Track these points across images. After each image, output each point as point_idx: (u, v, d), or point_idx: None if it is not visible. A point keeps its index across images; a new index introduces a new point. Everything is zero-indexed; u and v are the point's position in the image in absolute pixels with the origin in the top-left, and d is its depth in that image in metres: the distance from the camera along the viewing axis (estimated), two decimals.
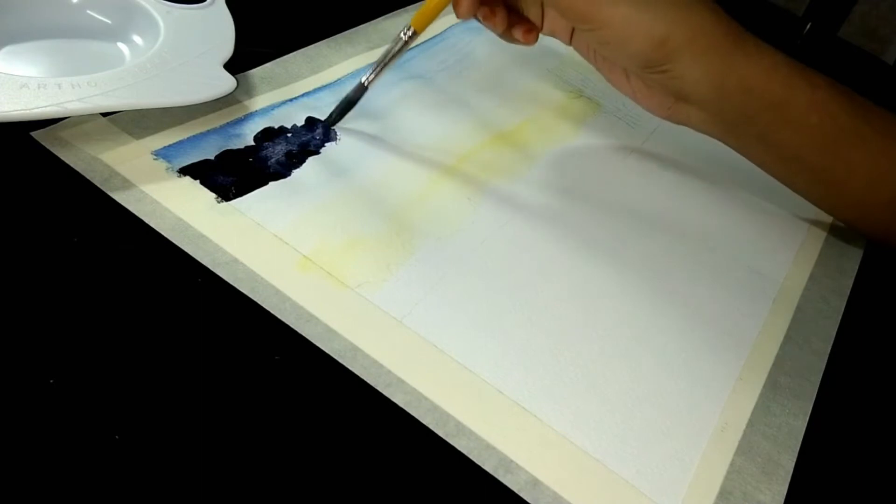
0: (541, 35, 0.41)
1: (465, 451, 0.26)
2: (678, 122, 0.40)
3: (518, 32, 0.40)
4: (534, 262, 0.34)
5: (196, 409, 0.25)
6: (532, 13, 0.40)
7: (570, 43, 0.41)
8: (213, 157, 0.34)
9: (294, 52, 0.42)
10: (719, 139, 0.40)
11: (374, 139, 0.38)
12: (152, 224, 0.30)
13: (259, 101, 0.38)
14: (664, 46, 0.36)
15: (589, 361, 0.30)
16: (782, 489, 0.28)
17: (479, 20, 0.39)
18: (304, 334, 0.28)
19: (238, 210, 0.32)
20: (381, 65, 0.37)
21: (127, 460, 0.23)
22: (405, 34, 0.36)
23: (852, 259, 0.41)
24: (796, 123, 0.37)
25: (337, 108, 0.38)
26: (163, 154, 0.33)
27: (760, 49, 0.37)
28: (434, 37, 0.48)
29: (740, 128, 0.39)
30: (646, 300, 0.34)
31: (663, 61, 0.36)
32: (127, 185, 0.31)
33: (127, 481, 0.22)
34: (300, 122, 0.38)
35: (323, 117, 0.38)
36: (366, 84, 0.37)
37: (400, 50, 0.37)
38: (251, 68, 0.40)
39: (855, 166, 0.38)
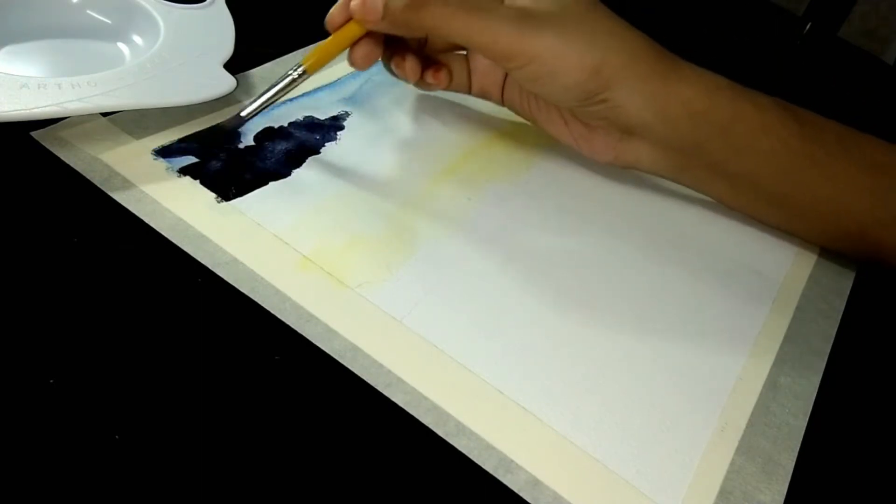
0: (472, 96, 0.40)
1: (465, 451, 0.26)
2: (626, 166, 0.38)
3: (429, 76, 0.37)
4: (534, 262, 0.34)
5: (196, 409, 0.25)
6: (457, 73, 0.39)
7: (501, 101, 0.40)
8: (213, 157, 0.34)
9: (294, 52, 0.42)
10: (671, 177, 0.38)
11: (374, 139, 0.38)
12: (152, 224, 0.30)
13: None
14: (599, 74, 0.33)
15: (589, 361, 0.30)
16: (782, 489, 0.28)
17: (389, 70, 0.37)
18: (304, 334, 0.28)
19: (238, 210, 0.32)
20: (266, 102, 0.34)
21: (127, 460, 0.23)
22: (295, 71, 0.34)
23: (852, 259, 0.41)
24: (747, 149, 0.35)
25: (207, 130, 0.35)
26: (163, 154, 0.33)
27: (698, 73, 0.35)
28: None
29: (691, 159, 0.36)
30: (646, 300, 0.34)
31: (600, 90, 0.34)
32: (127, 185, 0.31)
33: (127, 481, 0.22)
34: (300, 122, 0.38)
35: (323, 117, 0.38)
36: (245, 117, 0.35)
37: (287, 87, 0.34)
38: (251, 68, 0.40)
39: (817, 192, 0.36)
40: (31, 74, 0.34)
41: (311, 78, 0.40)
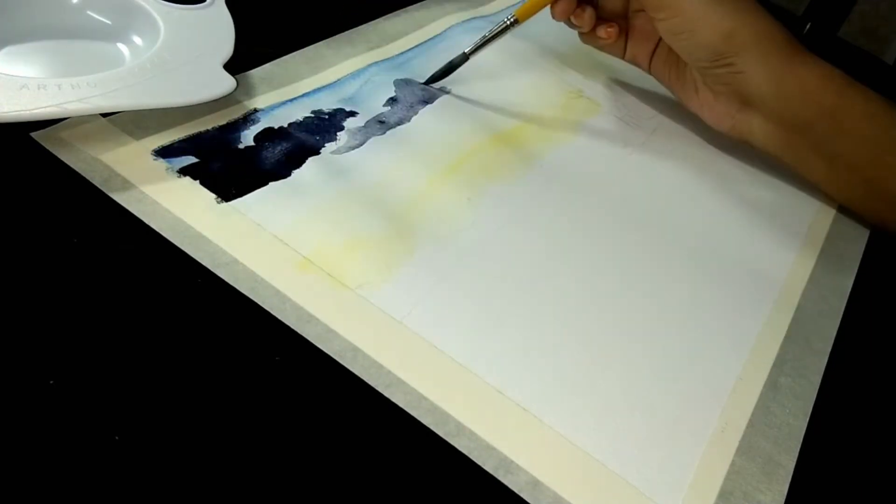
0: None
1: (465, 452, 0.26)
2: (740, 136, 0.43)
3: (602, 31, 0.44)
4: (533, 263, 0.34)
5: (196, 409, 0.25)
6: (618, 42, 0.45)
7: (649, 69, 0.46)
8: (212, 158, 0.34)
9: (294, 53, 0.42)
10: (778, 155, 0.43)
11: (374, 140, 0.38)
12: (152, 224, 0.30)
13: (259, 102, 0.38)
14: (731, 40, 0.39)
15: (589, 361, 0.30)
16: (782, 489, 0.28)
17: (568, 22, 0.44)
18: (304, 335, 0.28)
19: (238, 210, 0.32)
20: (483, 41, 0.43)
21: (127, 460, 0.23)
22: (508, 20, 0.42)
23: (852, 259, 0.41)
24: (851, 133, 0.40)
25: (440, 70, 0.43)
26: (163, 154, 0.33)
27: (816, 59, 0.40)
28: (434, 37, 0.48)
29: (798, 137, 0.41)
30: (646, 300, 0.34)
31: (729, 53, 0.40)
32: (127, 185, 0.31)
33: (127, 481, 0.22)
34: (300, 122, 0.38)
35: (323, 117, 0.38)
36: (468, 55, 0.43)
37: (500, 33, 0.42)
38: (251, 68, 0.40)
39: None
40: (31, 75, 0.34)
41: (310, 78, 0.41)
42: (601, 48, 0.46)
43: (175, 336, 0.27)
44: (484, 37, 0.43)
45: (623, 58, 0.47)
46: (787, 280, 0.38)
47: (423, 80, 0.43)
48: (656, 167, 0.43)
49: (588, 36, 0.45)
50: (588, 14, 0.43)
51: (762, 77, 0.40)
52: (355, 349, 0.28)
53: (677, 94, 0.46)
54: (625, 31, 0.46)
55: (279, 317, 0.28)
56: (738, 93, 0.41)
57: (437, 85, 0.44)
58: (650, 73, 0.47)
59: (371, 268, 0.31)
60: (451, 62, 0.43)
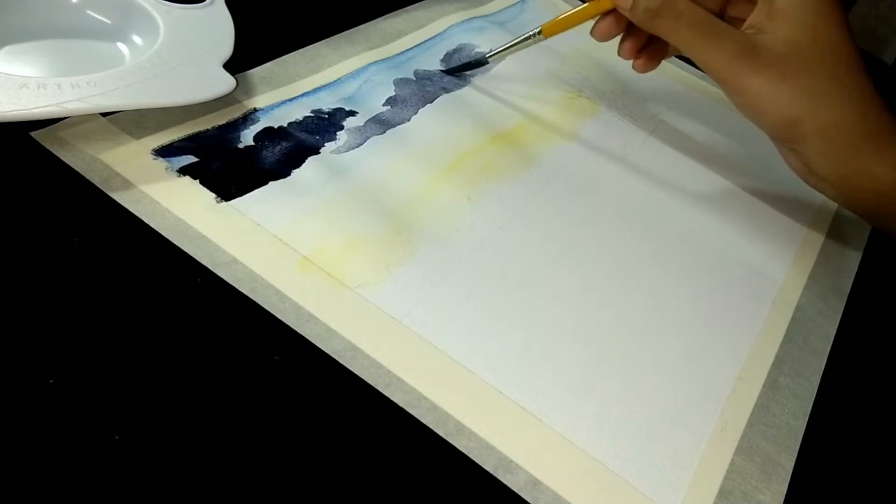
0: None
1: (464, 451, 0.26)
2: (815, 188, 0.40)
3: (638, 64, 0.41)
4: (533, 262, 0.34)
5: (196, 409, 0.25)
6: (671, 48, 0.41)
7: None
8: (212, 157, 0.34)
9: (294, 52, 0.42)
10: (858, 215, 0.41)
11: (373, 140, 0.38)
12: (152, 224, 0.30)
13: (259, 101, 0.38)
14: (795, 129, 0.35)
15: (589, 361, 0.30)
16: (782, 489, 0.28)
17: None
18: (303, 334, 0.28)
19: (238, 210, 0.32)
20: (505, 49, 0.43)
21: (127, 460, 0.23)
22: (534, 32, 0.42)
23: (852, 259, 0.41)
24: None
25: (461, 64, 0.45)
26: (162, 154, 0.33)
27: None
28: (434, 36, 0.48)
29: (868, 217, 0.40)
30: (645, 299, 0.34)
31: (793, 141, 0.37)
32: (126, 185, 0.31)
33: (127, 481, 0.22)
34: (300, 122, 0.38)
35: (323, 117, 0.38)
36: (488, 59, 0.44)
37: (523, 42, 0.42)
38: (251, 68, 0.40)
39: None
40: (31, 74, 0.34)
41: (310, 77, 0.41)
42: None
43: (175, 336, 0.27)
44: (508, 44, 0.43)
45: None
46: (787, 280, 0.38)
47: (443, 69, 0.45)
48: (656, 167, 0.43)
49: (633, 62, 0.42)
50: (627, 45, 0.40)
51: (827, 170, 0.36)
52: (355, 348, 0.28)
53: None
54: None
55: (279, 316, 0.28)
56: (806, 167, 0.38)
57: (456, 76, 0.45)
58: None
59: (371, 267, 0.31)
60: (471, 60, 0.45)
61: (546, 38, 0.42)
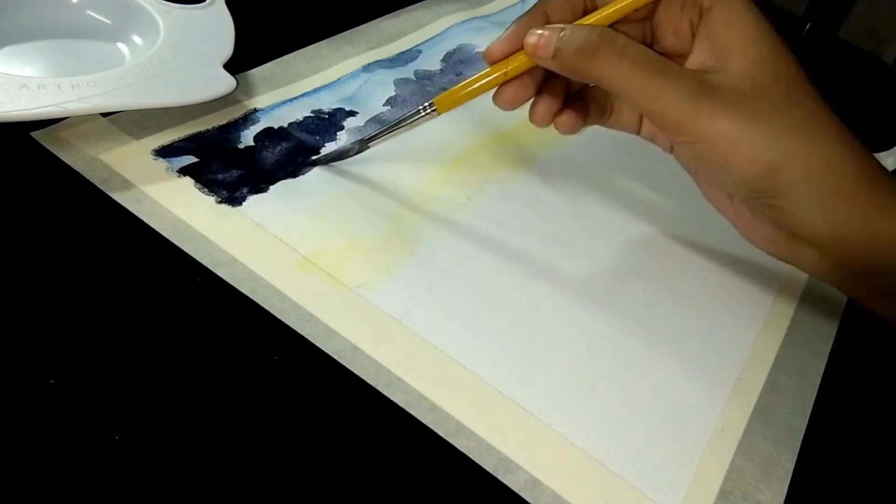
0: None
1: (464, 451, 0.26)
2: (786, 261, 0.33)
3: (560, 122, 0.34)
4: (533, 263, 0.34)
5: (196, 409, 0.25)
6: (625, 117, 0.35)
7: (671, 150, 0.35)
8: (213, 158, 0.34)
9: (294, 52, 0.42)
10: (834, 286, 0.33)
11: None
12: (152, 224, 0.30)
13: (259, 101, 0.38)
14: (774, 176, 0.29)
15: (588, 361, 0.30)
16: (782, 489, 0.28)
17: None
18: (303, 334, 0.28)
19: (238, 210, 0.32)
20: (390, 131, 0.34)
21: (127, 460, 0.23)
22: (425, 110, 0.33)
23: None
24: None
25: (330, 154, 0.36)
26: (163, 154, 0.33)
27: None
28: (434, 37, 0.48)
29: (866, 282, 0.32)
30: (645, 299, 0.34)
31: (772, 193, 0.29)
32: (127, 185, 0.31)
33: (127, 481, 0.22)
34: (300, 122, 0.38)
35: (322, 117, 0.38)
36: (369, 145, 0.35)
37: (412, 122, 0.33)
38: (251, 68, 0.40)
39: None
40: (31, 74, 0.34)
41: (310, 78, 0.41)
42: (605, 125, 0.36)
43: (175, 336, 0.27)
44: (391, 126, 0.34)
45: (638, 134, 0.36)
46: (787, 279, 0.38)
47: (313, 158, 0.36)
48: (656, 167, 0.43)
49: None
50: (541, 110, 0.33)
51: (817, 223, 0.29)
52: (355, 348, 0.28)
53: (704, 191, 0.34)
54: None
55: (279, 316, 0.28)
56: (786, 229, 0.31)
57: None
58: (672, 155, 0.35)
59: (370, 267, 0.31)
60: (343, 149, 0.36)
61: (441, 113, 0.33)
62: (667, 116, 0.29)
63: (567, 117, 0.33)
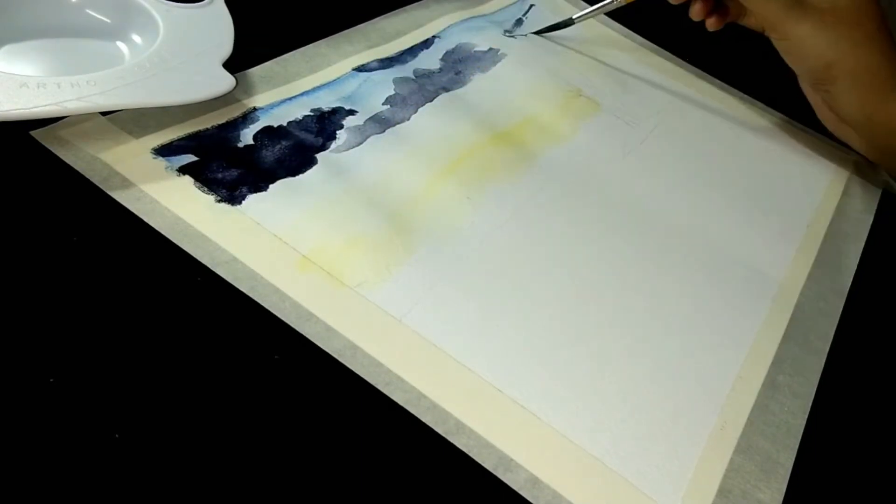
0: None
1: (464, 450, 0.26)
2: (841, 139, 0.47)
3: (709, 23, 0.47)
4: (533, 262, 0.34)
5: (196, 408, 0.25)
6: (749, 19, 0.47)
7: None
8: (212, 156, 0.34)
9: (293, 52, 0.42)
10: (874, 162, 0.48)
11: (373, 139, 0.38)
12: (151, 223, 0.30)
13: (258, 100, 0.38)
14: (830, 70, 0.43)
15: (588, 359, 0.30)
16: (781, 487, 0.28)
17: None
18: (303, 333, 0.28)
19: (237, 209, 0.32)
20: (592, 11, 0.49)
21: (127, 460, 0.23)
22: None
23: (851, 258, 0.41)
24: None
25: (549, 25, 0.51)
26: (162, 153, 0.33)
27: None
28: (433, 36, 0.48)
29: (891, 158, 0.46)
30: (645, 299, 0.34)
31: (827, 82, 0.43)
32: (126, 184, 0.31)
33: (127, 481, 0.22)
34: (299, 121, 0.38)
35: (322, 116, 0.38)
36: (575, 20, 0.50)
37: (608, 4, 0.48)
38: (250, 67, 0.40)
39: None
40: (31, 74, 0.34)
41: (310, 76, 0.41)
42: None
43: (174, 334, 0.27)
44: (595, 8, 0.49)
45: (762, 32, 0.47)
46: (786, 278, 0.38)
47: (533, 32, 0.51)
48: (655, 166, 0.43)
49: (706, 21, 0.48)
50: (698, 8, 0.46)
51: (853, 108, 0.43)
52: (355, 347, 0.28)
53: (800, 82, 0.47)
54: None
55: (278, 315, 0.28)
56: (835, 111, 0.45)
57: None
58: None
59: (370, 266, 0.31)
60: (559, 22, 0.51)
61: (627, 1, 0.47)
62: (768, 19, 0.44)
63: (714, 18, 0.47)
